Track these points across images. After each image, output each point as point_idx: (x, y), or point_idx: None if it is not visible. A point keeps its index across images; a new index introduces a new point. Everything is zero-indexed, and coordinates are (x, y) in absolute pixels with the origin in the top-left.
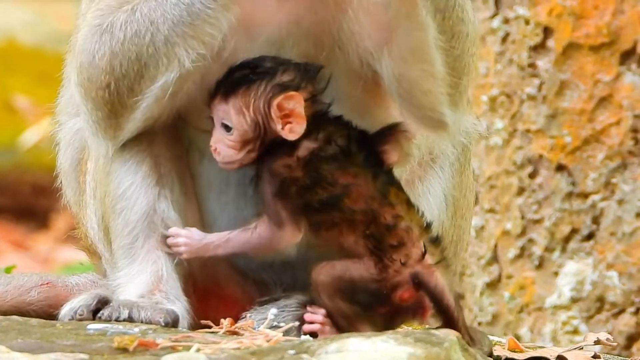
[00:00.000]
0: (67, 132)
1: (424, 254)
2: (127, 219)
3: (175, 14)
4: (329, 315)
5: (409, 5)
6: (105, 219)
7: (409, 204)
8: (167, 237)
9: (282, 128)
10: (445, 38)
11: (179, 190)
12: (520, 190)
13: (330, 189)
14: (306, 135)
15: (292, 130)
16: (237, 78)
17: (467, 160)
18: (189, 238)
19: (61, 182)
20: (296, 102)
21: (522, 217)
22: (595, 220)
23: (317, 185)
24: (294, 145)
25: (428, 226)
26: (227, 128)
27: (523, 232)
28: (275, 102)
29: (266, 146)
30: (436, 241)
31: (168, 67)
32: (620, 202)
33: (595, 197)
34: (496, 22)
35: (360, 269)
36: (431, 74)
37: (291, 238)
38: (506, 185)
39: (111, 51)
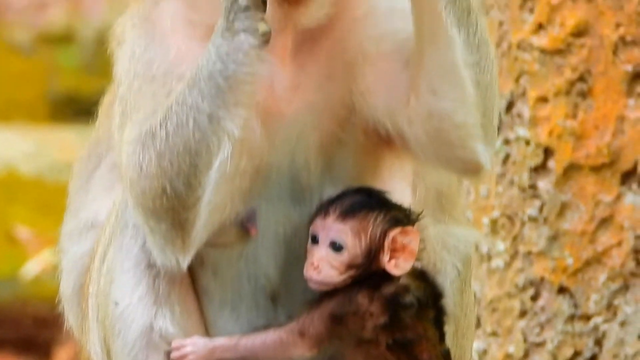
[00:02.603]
0: (70, 258)
1: None
2: (126, 339)
3: (211, 86)
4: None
5: (431, 24)
6: (107, 341)
7: None
8: (169, 353)
9: (388, 261)
10: (473, 56)
11: (179, 309)
12: (522, 313)
13: (405, 332)
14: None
15: (397, 266)
16: (358, 201)
17: (467, 278)
18: (194, 345)
19: (64, 309)
20: (412, 238)
21: (525, 340)
22: (598, 343)
23: (394, 325)
24: (378, 282)
25: None
26: (338, 248)
27: (526, 355)
28: (391, 234)
29: (366, 274)
30: None
31: (219, 146)
32: (623, 324)
33: (598, 320)
34: (497, 144)
35: None
36: (463, 101)
37: (306, 352)
38: (508, 308)
39: (157, 154)
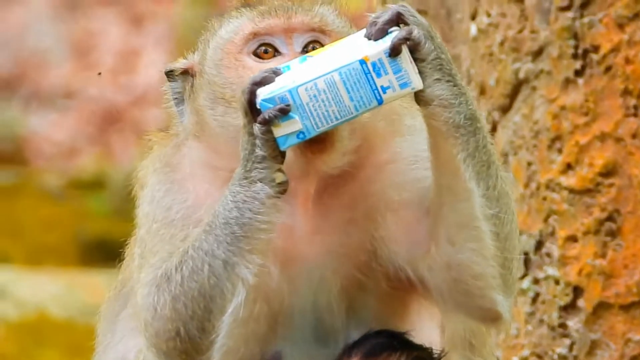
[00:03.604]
0: None
1: None
2: None
3: (227, 233)
4: None
5: (450, 175)
6: None
7: None
8: None
9: None
10: (492, 207)
11: None
12: None
13: None
14: None
15: None
16: (380, 343)
17: None
18: None
19: None
20: None
21: None
22: None
23: None
24: None
25: None
26: None
27: None
28: None
29: None
30: None
31: (234, 292)
32: None
33: None
34: (526, 283)
35: None
36: (481, 252)
37: None
38: None
39: (172, 297)
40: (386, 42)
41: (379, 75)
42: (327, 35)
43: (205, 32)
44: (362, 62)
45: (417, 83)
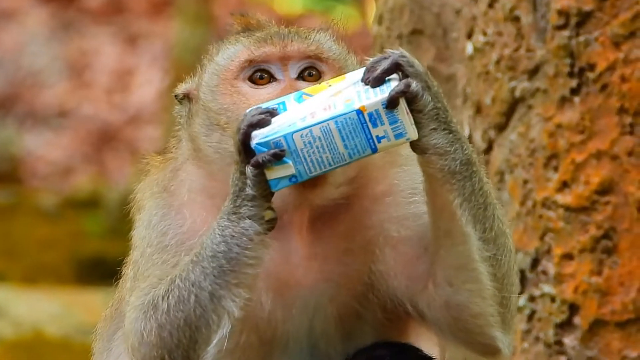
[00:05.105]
0: None
1: None
2: None
3: (214, 266)
4: None
5: (447, 219)
6: None
7: None
8: None
9: None
10: (490, 249)
11: None
12: None
13: None
14: None
15: None
16: (379, 355)
17: None
18: None
19: None
20: None
21: None
22: None
23: None
24: None
25: None
26: None
27: None
28: None
29: None
30: None
31: (219, 323)
32: None
33: None
34: (522, 301)
35: None
36: (479, 293)
37: None
38: None
39: (158, 324)
40: (384, 93)
41: (375, 125)
42: (324, 62)
43: (203, 57)
44: (359, 112)
45: (412, 134)
